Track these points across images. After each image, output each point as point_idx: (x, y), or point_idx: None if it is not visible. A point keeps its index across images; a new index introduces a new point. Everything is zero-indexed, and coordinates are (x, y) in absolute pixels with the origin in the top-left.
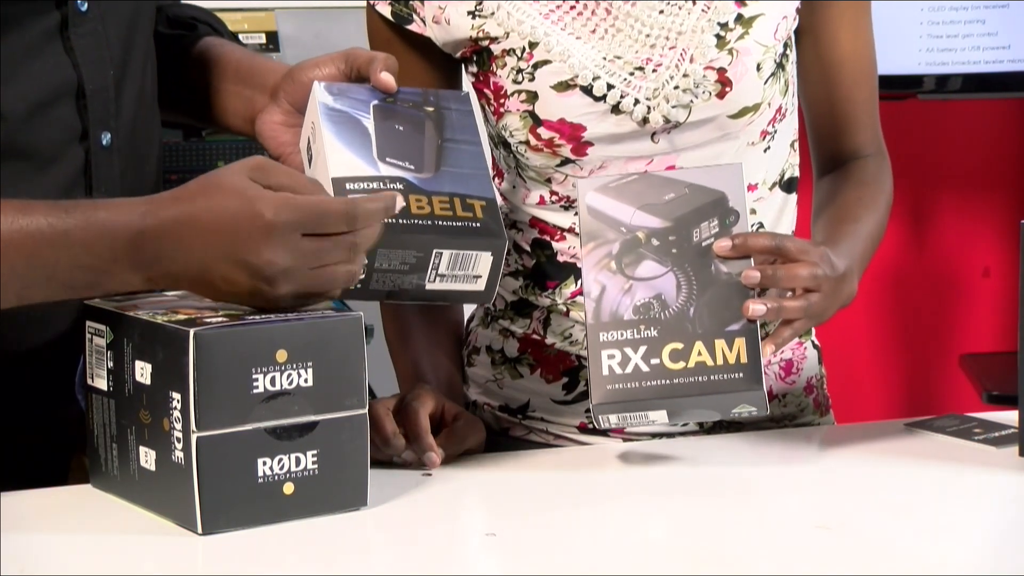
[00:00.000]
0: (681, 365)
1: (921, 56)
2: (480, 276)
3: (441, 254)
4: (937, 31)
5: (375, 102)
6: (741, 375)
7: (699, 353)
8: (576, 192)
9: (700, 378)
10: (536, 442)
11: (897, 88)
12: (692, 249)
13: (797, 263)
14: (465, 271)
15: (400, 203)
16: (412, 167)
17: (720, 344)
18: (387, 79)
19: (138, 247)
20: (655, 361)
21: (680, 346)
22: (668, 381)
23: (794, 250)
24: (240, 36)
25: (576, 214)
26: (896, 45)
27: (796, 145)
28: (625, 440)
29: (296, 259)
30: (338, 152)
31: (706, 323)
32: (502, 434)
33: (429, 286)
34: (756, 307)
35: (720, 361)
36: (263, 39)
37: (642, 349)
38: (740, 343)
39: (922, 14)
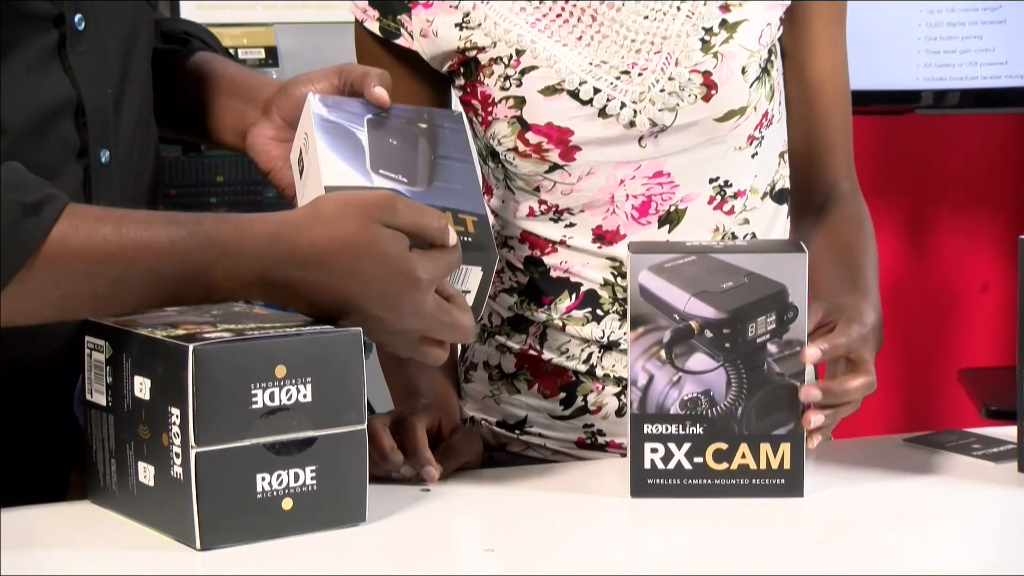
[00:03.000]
0: (724, 466)
1: (919, 71)
2: (469, 291)
3: None
4: (935, 47)
5: (369, 116)
6: (783, 481)
7: (743, 456)
8: (577, 219)
9: (741, 481)
10: (534, 458)
11: (895, 103)
12: (746, 345)
13: (853, 375)
14: (455, 285)
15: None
16: (405, 180)
17: (765, 448)
18: (381, 94)
19: (277, 272)
20: (698, 460)
21: (724, 447)
22: (709, 481)
23: (853, 350)
24: (239, 51)
25: (566, 225)
26: (894, 60)
27: (786, 157)
28: (624, 456)
29: (424, 322)
30: (332, 162)
31: (753, 425)
32: (499, 450)
33: None
34: (816, 417)
35: (763, 465)
36: (262, 54)
37: (686, 446)
38: (785, 448)
39: (920, 29)
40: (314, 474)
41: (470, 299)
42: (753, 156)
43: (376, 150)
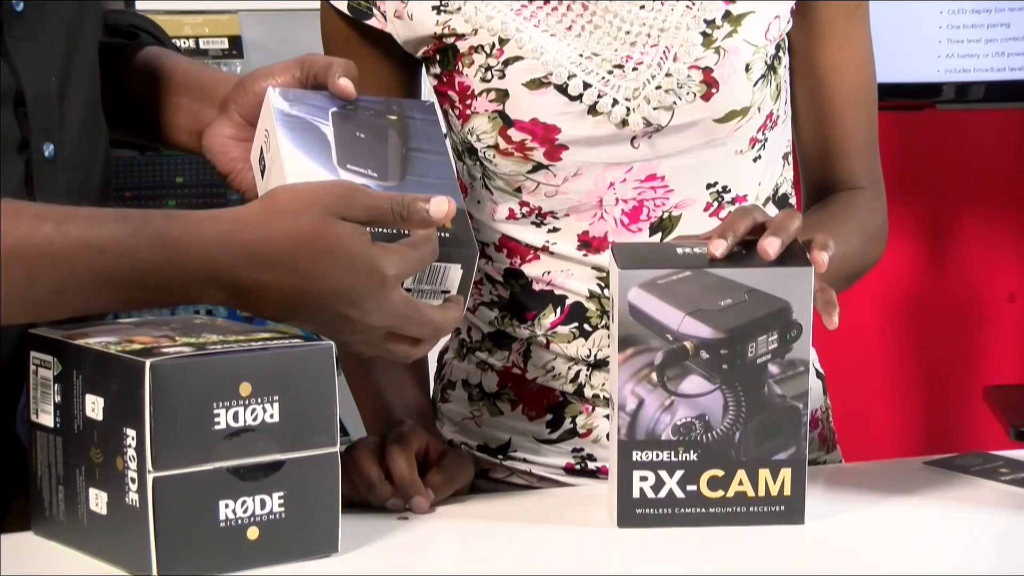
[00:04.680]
0: (719, 494)
1: (940, 63)
2: (449, 291)
3: None
4: (957, 35)
5: (334, 109)
6: (783, 508)
7: (740, 482)
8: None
9: (738, 509)
10: (518, 484)
11: (914, 97)
12: (746, 366)
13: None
14: (433, 285)
15: (445, 206)
16: (375, 175)
17: (764, 474)
18: (346, 85)
19: (232, 272)
20: (692, 488)
21: (720, 474)
22: (703, 510)
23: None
24: (200, 41)
25: (550, 230)
26: (913, 51)
27: (790, 158)
28: None
29: (391, 319)
30: (295, 158)
31: (752, 451)
32: (481, 476)
33: None
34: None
35: (762, 492)
36: (226, 44)
37: (679, 473)
38: (786, 474)
39: (941, 17)
40: (282, 501)
41: (433, 299)
42: (755, 160)
43: (343, 145)
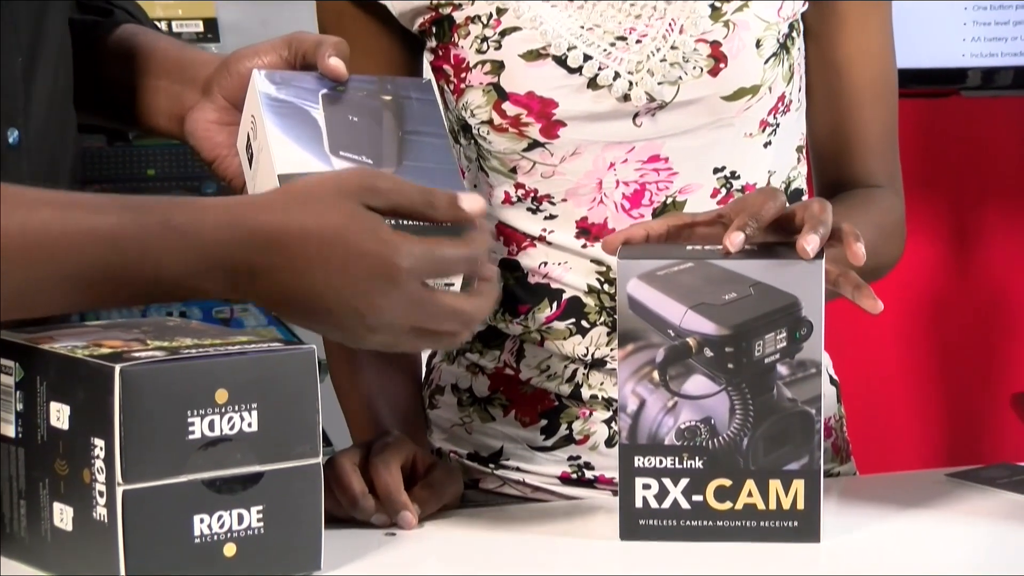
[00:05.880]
0: (727, 506)
1: (966, 47)
2: (453, 284)
3: None
4: (984, 17)
5: (324, 91)
6: (796, 524)
7: (749, 494)
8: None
9: (748, 523)
10: (511, 495)
11: (938, 84)
12: (752, 366)
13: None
14: (435, 279)
15: (479, 202)
16: (370, 161)
17: (775, 485)
18: (337, 65)
19: (236, 261)
20: (697, 498)
21: (728, 483)
22: (711, 523)
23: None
24: (173, 24)
25: (547, 216)
26: (937, 35)
27: (804, 152)
28: (616, 494)
29: (409, 315)
30: (284, 146)
31: (761, 459)
32: (472, 486)
33: None
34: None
35: (773, 505)
36: (200, 27)
37: (683, 482)
38: (798, 486)
39: None
40: (261, 515)
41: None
42: (766, 146)
43: (335, 130)
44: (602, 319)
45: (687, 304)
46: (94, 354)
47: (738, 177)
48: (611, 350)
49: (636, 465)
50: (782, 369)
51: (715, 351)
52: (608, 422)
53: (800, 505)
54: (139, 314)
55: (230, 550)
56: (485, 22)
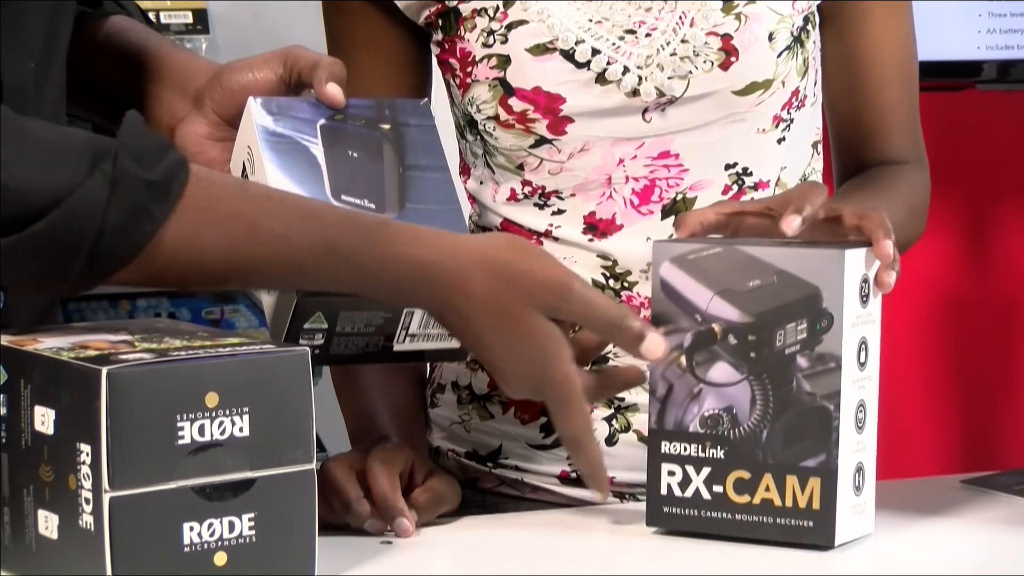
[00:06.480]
0: (745, 499)
1: (981, 39)
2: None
3: (413, 312)
4: (1000, 8)
5: (322, 121)
6: (811, 524)
7: (767, 488)
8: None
9: (765, 519)
10: (510, 495)
11: (952, 77)
12: (773, 356)
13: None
14: (439, 329)
15: (659, 351)
16: (373, 206)
17: (792, 481)
18: (334, 92)
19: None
20: (718, 489)
21: (747, 476)
22: (730, 516)
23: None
24: (162, 15)
25: (554, 212)
26: (951, 26)
27: (820, 148)
28: (617, 496)
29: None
30: (284, 188)
31: (779, 453)
32: (469, 486)
33: (398, 347)
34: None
35: (789, 503)
36: (189, 18)
37: (705, 471)
38: (815, 485)
39: None
40: (252, 523)
41: (456, 342)
42: (780, 141)
43: (335, 169)
44: None
45: (714, 289)
46: (80, 356)
47: (750, 174)
48: (614, 346)
49: (663, 451)
50: (802, 361)
51: (738, 338)
52: (609, 420)
53: (816, 505)
54: (126, 315)
55: (221, 559)
56: (492, 15)
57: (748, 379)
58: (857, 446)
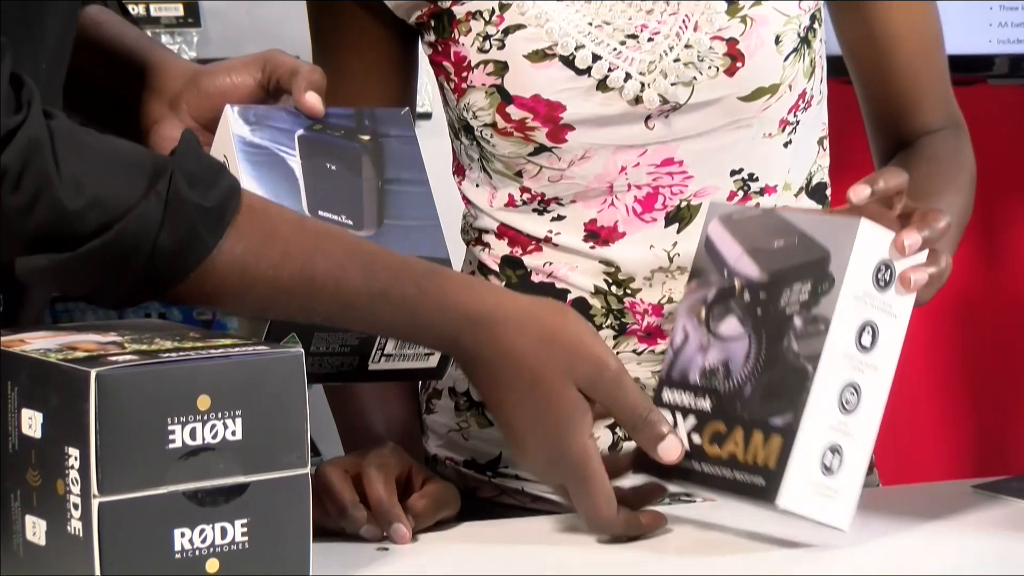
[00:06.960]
0: (715, 451)
1: (992, 32)
2: (432, 352)
3: None
4: (1012, 3)
5: (300, 131)
6: (762, 481)
7: (735, 443)
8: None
9: (725, 472)
10: (509, 505)
11: (964, 71)
12: (777, 314)
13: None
14: (415, 348)
15: (675, 455)
16: (350, 223)
17: (757, 438)
18: (312, 102)
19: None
20: (696, 439)
21: (723, 429)
22: (699, 468)
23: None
24: (152, 7)
25: (553, 218)
26: (962, 20)
27: (826, 144)
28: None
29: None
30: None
31: (755, 408)
32: (468, 495)
33: (373, 366)
34: (918, 275)
35: (750, 459)
36: (180, 11)
37: (691, 421)
38: (775, 443)
39: None
40: (245, 529)
41: (433, 361)
42: (786, 145)
43: (312, 183)
44: (608, 322)
45: (744, 246)
46: (68, 358)
47: (756, 179)
48: (616, 354)
49: (664, 399)
50: (797, 322)
51: (752, 296)
52: (612, 427)
53: (771, 464)
54: (116, 315)
55: (213, 566)
56: (487, 19)
57: (749, 335)
58: (837, 424)
